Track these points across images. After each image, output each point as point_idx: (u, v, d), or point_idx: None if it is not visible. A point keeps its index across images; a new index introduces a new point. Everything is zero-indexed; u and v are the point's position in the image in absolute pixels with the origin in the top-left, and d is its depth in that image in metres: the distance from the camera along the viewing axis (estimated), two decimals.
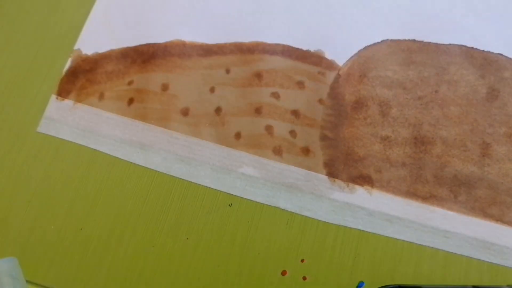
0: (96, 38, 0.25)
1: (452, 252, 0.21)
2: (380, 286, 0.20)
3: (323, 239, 0.21)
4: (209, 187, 0.22)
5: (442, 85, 0.24)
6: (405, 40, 0.25)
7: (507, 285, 0.21)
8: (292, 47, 0.25)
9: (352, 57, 0.25)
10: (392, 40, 0.25)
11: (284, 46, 0.25)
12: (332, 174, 0.23)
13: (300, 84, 0.24)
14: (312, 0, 0.26)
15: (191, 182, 0.22)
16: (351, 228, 0.22)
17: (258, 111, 0.23)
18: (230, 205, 0.22)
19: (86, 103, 0.23)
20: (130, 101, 0.23)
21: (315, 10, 0.26)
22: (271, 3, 0.26)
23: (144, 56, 0.24)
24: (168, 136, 0.23)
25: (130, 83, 0.24)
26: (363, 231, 0.22)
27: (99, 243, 0.21)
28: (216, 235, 0.21)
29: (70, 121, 0.23)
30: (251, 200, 0.22)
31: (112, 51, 0.25)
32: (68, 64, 0.24)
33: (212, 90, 0.24)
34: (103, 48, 0.25)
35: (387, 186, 0.22)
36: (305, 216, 0.22)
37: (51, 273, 0.21)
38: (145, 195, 0.22)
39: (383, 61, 0.25)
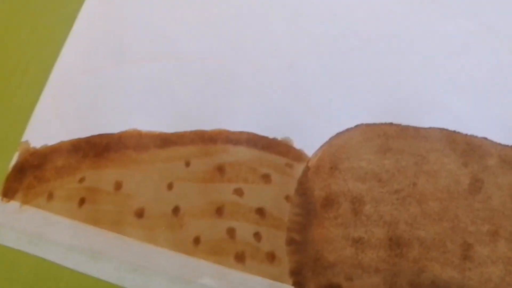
0: (45, 128, 0.24)
1: None
2: None
3: None
4: None
5: (420, 177, 0.23)
6: (381, 124, 0.24)
7: None
8: (257, 135, 0.24)
9: (322, 146, 0.23)
10: (367, 125, 0.24)
11: (249, 134, 0.24)
12: (299, 283, 0.21)
13: (266, 178, 0.23)
14: (279, 82, 0.25)
15: None
16: None
17: (219, 211, 0.22)
18: None
19: (34, 204, 0.22)
20: (81, 201, 0.22)
21: (283, 92, 0.25)
22: (235, 86, 0.25)
23: (97, 149, 0.23)
24: (121, 242, 0.22)
25: (81, 180, 0.23)
26: None
27: None
28: None
29: (16, 226, 0.22)
30: None
31: (62, 143, 0.24)
32: (15, 159, 0.23)
33: (169, 186, 0.22)
34: (53, 140, 0.24)
35: None
36: None
37: None
38: None
39: (357, 149, 0.23)
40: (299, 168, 0.23)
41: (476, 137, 0.24)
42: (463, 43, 0.25)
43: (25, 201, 0.23)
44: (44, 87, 0.25)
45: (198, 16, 0.26)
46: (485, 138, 0.24)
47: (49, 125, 0.24)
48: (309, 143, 0.24)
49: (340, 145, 0.24)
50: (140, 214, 0.23)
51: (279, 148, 0.24)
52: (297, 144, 0.24)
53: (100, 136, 0.24)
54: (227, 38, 0.26)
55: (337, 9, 0.26)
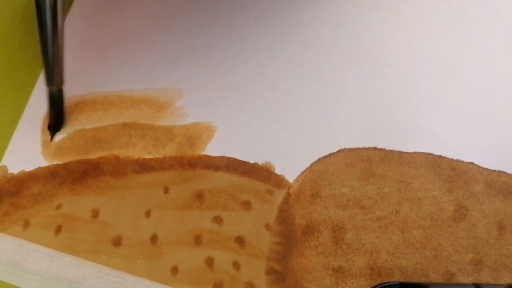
0: (23, 153, 0.24)
1: None
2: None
3: None
4: None
5: (404, 204, 0.23)
6: (364, 149, 0.24)
7: (508, 284, 0.22)
8: (238, 160, 0.24)
9: (303, 172, 0.24)
10: (350, 149, 0.24)
11: (229, 159, 0.24)
12: None
13: (246, 205, 0.23)
14: (259, 106, 0.25)
15: None
16: None
17: (197, 240, 0.23)
18: None
19: (9, 232, 0.23)
20: (58, 229, 0.23)
21: (263, 116, 0.25)
22: (216, 110, 0.25)
23: (74, 175, 0.24)
24: (98, 272, 0.22)
25: (58, 207, 0.23)
26: None
27: None
28: None
29: None
30: None
31: (40, 168, 0.24)
32: None
33: (148, 214, 0.23)
34: (30, 165, 0.24)
35: None
36: None
37: None
38: None
39: (339, 175, 0.24)
40: (280, 195, 0.24)
41: (462, 161, 0.25)
42: (449, 65, 0.25)
43: (0, 229, 0.24)
44: (22, 111, 0.25)
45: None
46: (472, 163, 0.25)
47: (27, 150, 0.25)
48: (291, 168, 0.25)
49: (321, 171, 0.24)
50: (117, 242, 0.23)
51: (259, 173, 0.24)
52: (278, 169, 0.24)
53: (78, 161, 0.24)
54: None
55: (319, 31, 0.26)
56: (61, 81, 0.24)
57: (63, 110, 0.25)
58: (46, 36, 0.22)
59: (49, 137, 0.25)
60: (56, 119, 0.25)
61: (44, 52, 0.22)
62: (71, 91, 0.25)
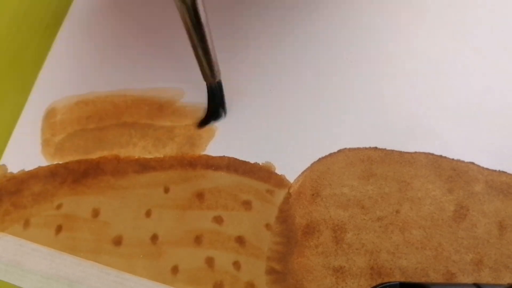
0: (23, 152, 0.24)
1: None
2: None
3: None
4: None
5: (404, 204, 0.23)
6: (365, 148, 0.25)
7: (508, 284, 0.22)
8: (238, 160, 0.24)
9: (304, 171, 0.24)
10: (350, 149, 0.25)
11: (229, 159, 0.24)
12: None
13: (246, 205, 0.23)
14: (260, 106, 0.25)
15: None
16: None
17: (198, 240, 0.23)
18: None
19: (10, 232, 0.23)
20: (58, 229, 0.23)
21: (264, 116, 0.25)
22: None
23: (74, 175, 0.24)
24: (98, 271, 0.22)
25: (58, 207, 0.23)
26: None
27: None
28: None
29: None
30: None
31: (40, 168, 0.24)
32: None
33: (148, 213, 0.23)
34: (30, 165, 0.24)
35: None
36: None
37: None
38: None
39: (339, 175, 0.24)
40: (280, 195, 0.24)
41: (463, 161, 0.25)
42: (449, 65, 0.25)
43: (1, 228, 0.24)
44: (22, 110, 0.25)
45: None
46: (472, 163, 0.25)
47: (27, 150, 0.25)
48: (291, 168, 0.25)
49: (322, 171, 0.24)
50: (118, 241, 0.23)
51: (260, 173, 0.24)
52: (278, 169, 0.24)
53: (79, 161, 0.25)
54: None
55: (319, 31, 0.26)
56: (219, 73, 0.24)
57: (224, 99, 0.25)
58: (203, 34, 0.22)
59: (49, 136, 0.25)
60: (217, 109, 0.25)
61: (204, 50, 0.22)
62: (71, 91, 0.26)
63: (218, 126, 0.25)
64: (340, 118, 0.25)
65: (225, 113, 0.26)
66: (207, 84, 0.24)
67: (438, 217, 0.24)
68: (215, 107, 0.25)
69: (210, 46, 0.22)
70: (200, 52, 0.22)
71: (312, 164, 0.25)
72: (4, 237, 0.24)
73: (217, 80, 0.24)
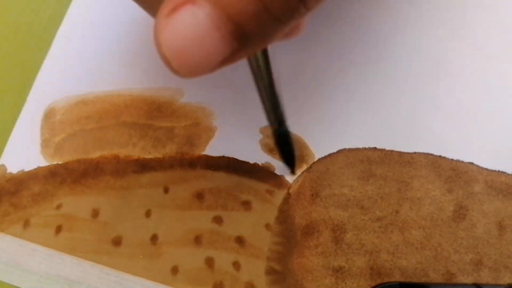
0: (22, 153, 0.24)
1: None
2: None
3: None
4: None
5: (404, 204, 0.24)
6: (364, 149, 0.25)
7: (508, 284, 0.22)
8: (238, 160, 0.25)
9: (303, 172, 0.24)
10: (350, 150, 0.25)
11: (229, 159, 0.24)
12: None
13: (246, 205, 0.23)
14: (260, 104, 0.25)
15: None
16: None
17: (197, 240, 0.23)
18: None
19: (9, 232, 0.23)
20: (58, 229, 0.23)
21: (263, 116, 0.25)
22: (216, 109, 0.25)
23: (74, 175, 0.24)
24: (98, 272, 0.23)
25: (58, 207, 0.23)
26: None
27: None
28: None
29: None
30: None
31: (39, 168, 0.24)
32: None
33: (148, 214, 0.23)
34: (29, 165, 0.24)
35: None
36: None
37: None
38: None
39: (339, 175, 0.24)
40: (280, 195, 0.24)
41: (462, 162, 0.25)
42: (449, 65, 0.26)
43: (0, 229, 0.24)
44: (21, 110, 0.26)
45: None
46: (472, 163, 0.25)
47: (26, 150, 0.25)
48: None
49: (321, 171, 0.25)
50: (117, 242, 0.23)
51: (260, 173, 0.25)
52: (278, 170, 0.25)
53: (78, 161, 0.25)
54: None
55: (319, 31, 0.26)
56: (285, 119, 0.22)
57: (293, 146, 0.23)
58: (271, 79, 0.20)
59: (48, 136, 0.25)
60: (291, 157, 0.23)
61: (272, 95, 0.21)
62: (71, 91, 0.26)
63: (218, 126, 0.25)
64: (339, 118, 0.26)
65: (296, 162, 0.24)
66: (274, 131, 0.23)
67: (437, 217, 0.24)
68: (287, 154, 0.23)
69: (277, 93, 0.21)
70: (271, 95, 0.21)
71: (311, 164, 0.25)
72: (4, 237, 0.24)
73: (286, 125, 0.23)
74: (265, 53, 0.19)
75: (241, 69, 0.26)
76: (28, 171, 0.25)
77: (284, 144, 0.23)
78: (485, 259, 0.24)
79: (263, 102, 0.22)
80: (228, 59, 0.15)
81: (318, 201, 0.24)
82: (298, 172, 0.25)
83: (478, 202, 0.24)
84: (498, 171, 0.25)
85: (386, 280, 0.23)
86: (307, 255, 0.23)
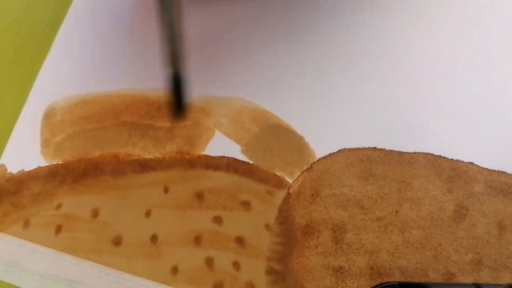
0: (22, 153, 0.24)
1: None
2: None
3: None
4: None
5: (404, 204, 0.24)
6: (364, 149, 0.25)
7: (508, 284, 0.22)
8: (238, 160, 0.25)
9: (303, 172, 0.24)
10: (350, 149, 0.25)
11: (229, 159, 0.24)
12: None
13: (246, 205, 0.23)
14: (259, 104, 0.25)
15: None
16: None
17: (197, 240, 0.23)
18: None
19: (9, 232, 0.23)
20: (58, 229, 0.23)
21: None
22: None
23: (74, 175, 0.24)
24: (98, 271, 0.23)
25: (58, 207, 0.24)
26: None
27: None
28: None
29: None
30: None
31: (39, 168, 0.24)
32: None
33: (147, 213, 0.23)
34: (30, 165, 0.24)
35: None
36: None
37: None
38: None
39: (339, 175, 0.24)
40: (280, 195, 0.24)
41: (462, 162, 0.25)
42: (449, 65, 0.26)
43: (0, 229, 0.24)
44: (21, 110, 0.26)
45: None
46: (472, 163, 0.25)
47: (26, 150, 0.25)
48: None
49: (322, 171, 0.25)
50: (117, 242, 0.24)
51: (259, 174, 0.25)
52: (278, 170, 0.25)
53: (78, 161, 0.25)
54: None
55: (319, 31, 0.26)
56: (183, 66, 0.22)
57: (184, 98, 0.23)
58: (171, 18, 0.21)
59: (48, 136, 0.25)
60: (180, 104, 0.23)
61: (171, 34, 0.21)
62: (71, 91, 0.26)
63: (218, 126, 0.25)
64: (339, 118, 0.26)
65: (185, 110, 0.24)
66: (171, 76, 0.22)
67: (437, 217, 0.24)
68: (179, 100, 0.23)
69: (177, 32, 0.21)
70: (169, 34, 0.21)
71: (311, 164, 0.25)
72: (4, 237, 0.24)
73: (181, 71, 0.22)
74: None
75: (241, 69, 0.27)
76: (28, 171, 0.25)
77: (176, 89, 0.22)
78: (485, 259, 0.24)
79: (165, 43, 0.21)
80: None
81: (318, 201, 0.24)
82: (298, 172, 0.25)
83: (478, 202, 0.24)
84: (498, 171, 0.25)
85: (386, 280, 0.23)
86: (307, 255, 0.23)
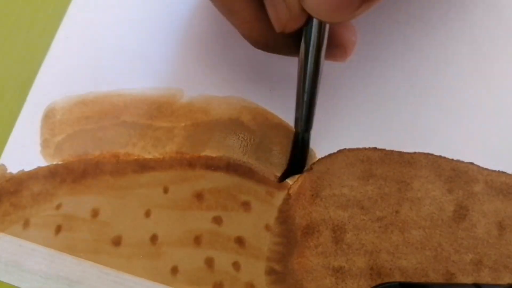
0: (22, 153, 0.24)
1: None
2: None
3: None
4: None
5: (404, 204, 0.24)
6: (364, 149, 0.25)
7: (508, 284, 0.22)
8: (238, 161, 0.25)
9: (303, 172, 0.24)
10: (349, 150, 0.25)
11: (229, 159, 0.24)
12: None
13: (246, 206, 0.24)
14: (260, 104, 0.25)
15: None
16: None
17: (197, 240, 0.23)
18: None
19: (9, 232, 0.23)
20: (58, 229, 0.23)
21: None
22: None
23: (74, 174, 0.24)
24: (98, 271, 0.23)
25: (58, 207, 0.24)
26: None
27: None
28: None
29: None
30: None
31: (39, 168, 0.24)
32: None
33: (147, 214, 0.23)
34: (29, 165, 0.24)
35: None
36: None
37: None
38: None
39: (339, 175, 0.24)
40: (280, 196, 0.24)
41: (462, 162, 0.25)
42: (449, 65, 0.26)
43: (0, 229, 0.24)
44: (21, 110, 0.26)
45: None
46: (472, 163, 0.25)
47: (26, 150, 0.25)
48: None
49: (322, 171, 0.25)
50: (117, 242, 0.24)
51: (260, 174, 0.25)
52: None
53: (78, 161, 0.25)
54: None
55: None
56: (311, 126, 0.23)
57: (307, 154, 0.25)
58: (313, 78, 0.21)
59: (48, 136, 0.25)
60: (299, 162, 0.25)
61: (312, 96, 0.22)
62: (71, 91, 0.26)
63: (218, 126, 0.26)
64: (339, 118, 0.26)
65: (303, 168, 0.25)
66: (296, 133, 0.24)
67: (437, 217, 0.24)
68: (298, 159, 0.25)
69: (315, 94, 0.22)
70: (306, 98, 0.22)
71: (311, 165, 0.25)
72: (4, 237, 0.24)
73: (309, 132, 0.24)
74: (319, 53, 0.21)
75: (242, 69, 0.27)
76: (28, 171, 0.25)
77: (300, 151, 0.24)
78: (485, 259, 0.24)
79: (299, 100, 0.22)
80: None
81: (318, 201, 0.24)
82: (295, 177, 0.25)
83: (478, 202, 0.24)
84: (498, 171, 0.25)
85: (386, 280, 0.23)
86: (307, 255, 0.24)
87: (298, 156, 0.25)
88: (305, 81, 0.21)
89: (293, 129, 0.24)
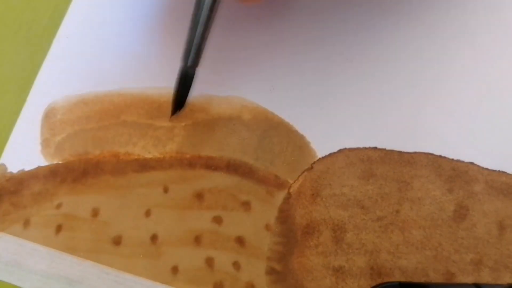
0: (22, 152, 0.24)
1: None
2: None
3: None
4: None
5: (404, 204, 0.24)
6: (365, 149, 0.25)
7: (508, 284, 0.22)
8: (238, 160, 0.25)
9: (304, 171, 0.24)
10: (350, 149, 0.25)
11: (229, 159, 0.24)
12: None
13: (246, 206, 0.24)
14: (259, 104, 0.25)
15: None
16: None
17: (197, 240, 0.23)
18: None
19: (10, 232, 0.23)
20: (58, 228, 0.23)
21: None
22: None
23: (74, 174, 0.24)
24: (98, 271, 0.23)
25: (58, 206, 0.24)
26: None
27: None
28: None
29: None
30: None
31: (40, 168, 0.24)
32: None
33: (147, 213, 0.23)
34: (30, 165, 0.24)
35: None
36: None
37: None
38: None
39: (339, 175, 0.24)
40: (280, 195, 0.24)
41: (462, 161, 0.25)
42: (449, 65, 0.26)
43: (1, 228, 0.24)
44: (21, 109, 0.26)
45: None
46: (472, 163, 0.25)
47: (26, 149, 0.25)
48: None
49: (322, 171, 0.25)
50: (117, 241, 0.24)
51: (260, 174, 0.25)
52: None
53: (78, 160, 0.25)
54: None
55: (319, 31, 0.26)
56: (197, 64, 0.23)
57: (189, 90, 0.24)
58: (201, 14, 0.22)
59: (48, 136, 0.25)
60: (181, 97, 0.24)
61: (194, 28, 0.22)
62: (71, 90, 0.26)
63: (218, 126, 0.26)
64: (340, 117, 0.26)
65: (182, 107, 0.24)
66: (183, 67, 0.23)
67: (438, 217, 0.24)
68: (181, 94, 0.24)
69: (203, 29, 0.22)
70: (199, 30, 0.22)
71: (312, 164, 0.25)
72: (4, 237, 0.24)
73: (193, 69, 0.23)
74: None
75: (242, 69, 0.27)
76: (29, 171, 0.25)
77: (183, 85, 0.24)
78: (485, 259, 0.24)
79: (192, 32, 0.22)
80: None
81: (318, 201, 0.24)
82: (298, 172, 0.25)
83: (479, 202, 0.24)
84: (499, 171, 0.25)
85: (386, 280, 0.23)
86: (307, 254, 0.24)
87: (180, 91, 0.24)
88: (200, 12, 0.22)
89: (293, 129, 0.24)
